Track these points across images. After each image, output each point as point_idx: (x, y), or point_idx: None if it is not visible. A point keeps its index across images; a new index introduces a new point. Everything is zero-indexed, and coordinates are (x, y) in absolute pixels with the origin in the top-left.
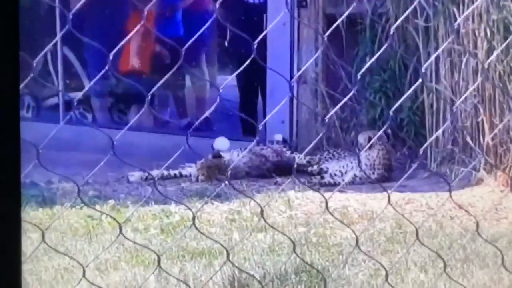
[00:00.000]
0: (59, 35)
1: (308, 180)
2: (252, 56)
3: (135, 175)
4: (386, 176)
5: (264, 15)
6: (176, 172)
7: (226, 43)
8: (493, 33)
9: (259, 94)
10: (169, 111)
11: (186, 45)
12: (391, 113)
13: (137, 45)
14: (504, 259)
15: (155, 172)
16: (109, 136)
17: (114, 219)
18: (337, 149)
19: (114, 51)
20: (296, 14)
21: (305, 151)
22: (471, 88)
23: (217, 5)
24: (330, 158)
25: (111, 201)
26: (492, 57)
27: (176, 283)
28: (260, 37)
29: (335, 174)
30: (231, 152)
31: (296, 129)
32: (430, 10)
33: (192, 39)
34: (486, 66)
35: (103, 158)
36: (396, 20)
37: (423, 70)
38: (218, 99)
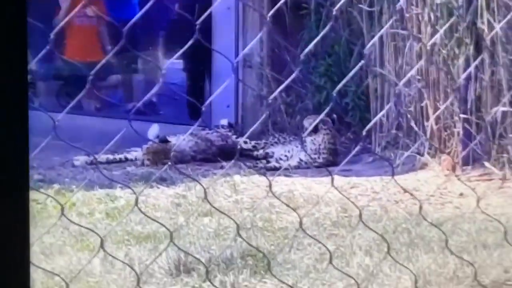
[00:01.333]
0: None
1: (254, 165)
2: (195, 36)
3: (80, 159)
4: (332, 160)
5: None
6: (122, 156)
7: (172, 17)
8: (436, 17)
9: (206, 78)
10: (118, 95)
11: (127, 26)
12: (334, 94)
13: (84, 32)
14: (449, 243)
15: (100, 157)
16: (51, 117)
17: (57, 201)
18: (282, 134)
19: (55, 30)
20: None
21: (248, 133)
22: (412, 70)
23: None
24: (275, 142)
25: (56, 185)
26: (435, 40)
27: (121, 266)
28: (203, 17)
29: (281, 159)
30: (178, 136)
31: (242, 113)
32: None
33: (133, 21)
34: (429, 50)
35: (48, 142)
36: (341, 4)
37: (366, 51)
38: (160, 80)
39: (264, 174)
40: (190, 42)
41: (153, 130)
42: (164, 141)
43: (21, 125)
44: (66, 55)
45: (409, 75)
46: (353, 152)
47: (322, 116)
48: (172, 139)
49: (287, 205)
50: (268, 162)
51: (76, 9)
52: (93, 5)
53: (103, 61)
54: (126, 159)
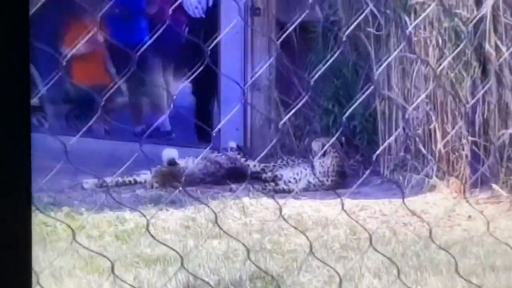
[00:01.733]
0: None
1: (262, 187)
2: (206, 60)
3: (89, 182)
4: (340, 183)
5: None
6: (131, 179)
7: (180, 41)
8: (444, 41)
9: (214, 101)
10: (125, 118)
11: (139, 52)
12: (344, 119)
13: (91, 57)
14: (458, 266)
15: (109, 179)
16: (62, 142)
17: (68, 225)
18: (291, 156)
19: (67, 57)
20: (249, 23)
21: (259, 158)
22: (423, 95)
23: (170, 11)
24: (284, 165)
25: (66, 208)
26: (444, 64)
27: None
28: (214, 42)
29: (289, 181)
30: (186, 159)
31: (250, 136)
32: (381, 19)
33: (145, 46)
34: (437, 73)
35: (56, 165)
36: (347, 28)
37: (375, 77)
38: (171, 105)
39: (273, 197)
40: (201, 67)
41: (169, 153)
42: (172, 163)
43: (22, 125)
44: (73, 79)
45: (419, 99)
46: (364, 176)
47: (333, 140)
48: (181, 162)
49: (298, 229)
50: (276, 184)
51: (88, 37)
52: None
53: (115, 86)
54: (135, 182)
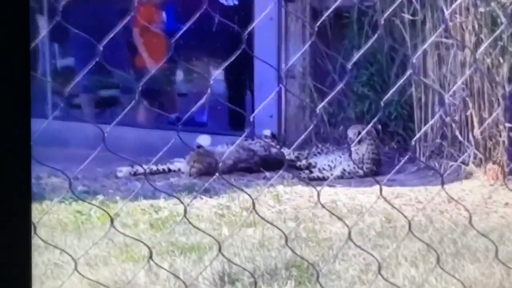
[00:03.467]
0: (48, 28)
1: (296, 175)
2: (242, 46)
3: (123, 171)
4: (375, 171)
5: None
6: (165, 167)
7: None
8: (480, 26)
9: (247, 88)
10: (158, 106)
11: (174, 38)
12: (382, 104)
13: (149, 41)
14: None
15: (143, 168)
16: (100, 128)
17: (107, 213)
18: (325, 144)
19: (104, 42)
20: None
21: (294, 146)
22: (460, 80)
23: None
24: (318, 153)
25: (100, 196)
26: (481, 50)
27: (166, 278)
28: (251, 26)
29: (324, 169)
30: (220, 146)
31: (285, 123)
32: (417, 3)
33: (180, 33)
34: (474, 58)
35: (91, 153)
36: (382, 13)
37: (414, 61)
38: (209, 90)
39: (310, 183)
40: (237, 52)
41: (204, 139)
42: (207, 150)
43: (22, 126)
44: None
45: (456, 85)
46: (400, 164)
47: (370, 126)
48: (215, 149)
49: (336, 216)
50: (311, 172)
51: (122, 24)
52: (155, 15)
53: (152, 72)
54: (169, 170)
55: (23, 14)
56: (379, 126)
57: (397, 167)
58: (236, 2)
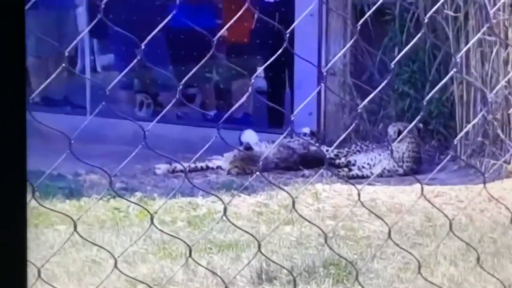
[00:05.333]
0: (90, 25)
1: (335, 173)
2: (284, 44)
3: (162, 168)
4: (415, 169)
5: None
6: (203, 164)
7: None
8: None
9: (287, 86)
10: (195, 103)
11: (217, 36)
12: (424, 102)
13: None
14: None
15: (182, 165)
16: (141, 126)
17: (146, 209)
18: (365, 142)
19: (147, 40)
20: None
21: (334, 145)
22: (505, 79)
23: None
24: (358, 150)
25: (138, 194)
26: None
27: (203, 275)
28: (293, 25)
29: (363, 167)
30: (260, 144)
31: (324, 121)
32: (460, 0)
33: (223, 30)
34: None
35: (129, 150)
36: (425, 10)
37: (457, 59)
38: (250, 89)
39: (350, 182)
40: (280, 50)
41: (250, 135)
42: (248, 148)
43: (18, 126)
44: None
45: (501, 84)
46: (442, 163)
47: (412, 125)
48: (256, 147)
49: (376, 215)
50: (350, 170)
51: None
52: None
53: (193, 70)
54: (208, 168)
55: (18, 11)
56: (420, 124)
57: (439, 166)
58: None
